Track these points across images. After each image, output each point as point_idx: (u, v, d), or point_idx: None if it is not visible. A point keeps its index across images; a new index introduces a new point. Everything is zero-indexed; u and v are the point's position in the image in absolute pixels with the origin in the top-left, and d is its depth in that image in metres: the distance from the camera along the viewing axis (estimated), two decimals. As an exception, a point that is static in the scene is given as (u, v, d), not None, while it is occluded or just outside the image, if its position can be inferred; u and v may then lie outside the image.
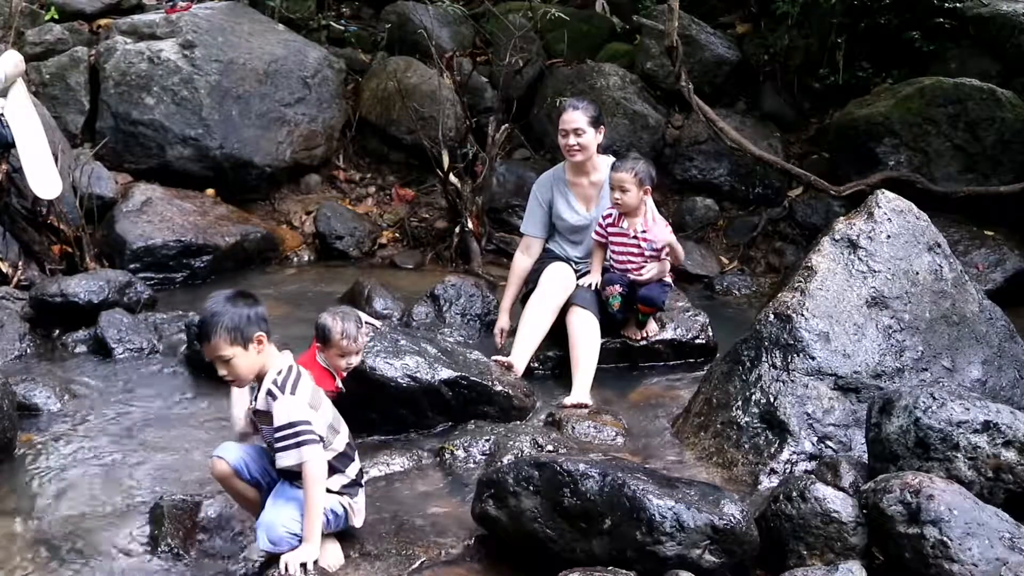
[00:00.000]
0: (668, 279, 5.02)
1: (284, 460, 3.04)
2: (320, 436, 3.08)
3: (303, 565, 3.00)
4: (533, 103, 7.99)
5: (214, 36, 7.22)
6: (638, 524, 3.00)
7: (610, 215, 4.89)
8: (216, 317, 3.04)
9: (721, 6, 8.69)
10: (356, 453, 3.31)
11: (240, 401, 3.29)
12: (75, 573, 3.26)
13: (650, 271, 4.85)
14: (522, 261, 5.24)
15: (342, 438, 3.23)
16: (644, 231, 4.83)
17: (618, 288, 4.86)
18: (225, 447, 3.26)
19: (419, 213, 7.46)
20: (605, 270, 4.97)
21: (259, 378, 3.13)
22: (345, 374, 4.03)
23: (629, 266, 4.89)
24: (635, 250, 4.86)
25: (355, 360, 4.03)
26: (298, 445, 3.02)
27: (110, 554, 3.36)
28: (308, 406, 3.09)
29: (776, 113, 7.89)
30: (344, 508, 3.22)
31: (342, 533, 3.26)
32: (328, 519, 3.15)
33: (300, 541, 3.04)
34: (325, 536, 3.13)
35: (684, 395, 4.62)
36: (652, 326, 5.08)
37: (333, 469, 3.17)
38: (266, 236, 6.89)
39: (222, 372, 3.09)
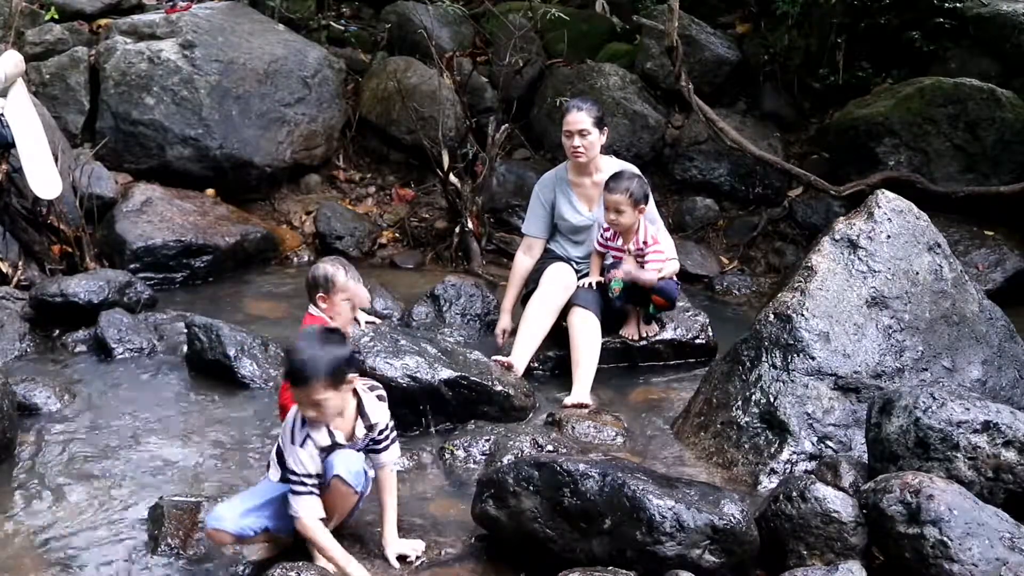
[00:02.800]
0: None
1: (391, 454, 3.26)
2: None
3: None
4: (533, 103, 7.98)
5: (214, 36, 7.22)
6: (638, 524, 3.01)
7: (607, 229, 4.90)
8: (314, 362, 2.97)
9: (721, 6, 8.68)
10: None
11: None
12: (75, 573, 3.26)
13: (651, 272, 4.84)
14: (523, 261, 5.24)
15: None
16: (639, 249, 4.82)
17: (620, 272, 4.85)
18: (218, 516, 3.13)
19: (419, 213, 7.46)
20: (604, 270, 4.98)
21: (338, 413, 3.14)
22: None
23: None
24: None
25: (363, 300, 4.08)
26: (395, 441, 3.25)
27: (110, 554, 3.36)
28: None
29: (776, 113, 7.88)
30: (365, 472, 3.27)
31: (342, 533, 3.25)
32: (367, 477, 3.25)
33: (362, 488, 3.19)
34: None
35: (684, 395, 4.62)
36: (652, 326, 5.08)
37: None
38: (266, 236, 6.88)
39: (311, 414, 3.03)
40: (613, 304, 4.94)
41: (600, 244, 4.97)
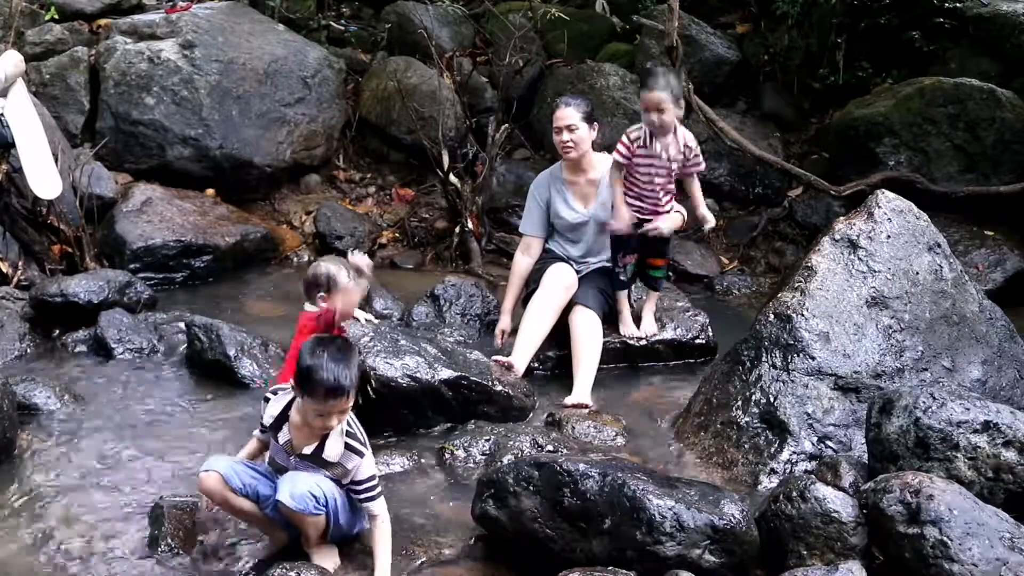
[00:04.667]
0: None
1: (372, 508, 3.15)
2: None
3: None
4: (533, 103, 7.98)
5: (214, 36, 7.22)
6: (638, 524, 3.01)
7: (638, 136, 4.66)
8: (349, 372, 2.99)
9: (721, 6, 8.69)
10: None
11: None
12: (75, 573, 3.26)
13: (670, 221, 4.78)
14: (523, 261, 5.24)
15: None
16: (684, 155, 4.67)
17: (633, 258, 4.84)
18: (211, 462, 3.23)
19: (419, 213, 7.46)
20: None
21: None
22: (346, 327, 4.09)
23: (647, 192, 4.72)
24: (663, 171, 4.69)
25: (356, 303, 4.10)
26: (379, 496, 3.15)
27: (110, 554, 3.36)
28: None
29: (776, 113, 7.89)
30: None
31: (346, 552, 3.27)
32: (350, 515, 3.19)
33: (321, 509, 3.08)
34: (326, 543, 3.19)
35: (684, 395, 4.61)
36: (650, 326, 5.06)
37: None
38: (266, 236, 6.88)
39: (332, 423, 3.04)
40: (624, 285, 4.93)
41: (622, 155, 4.67)
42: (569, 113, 5.01)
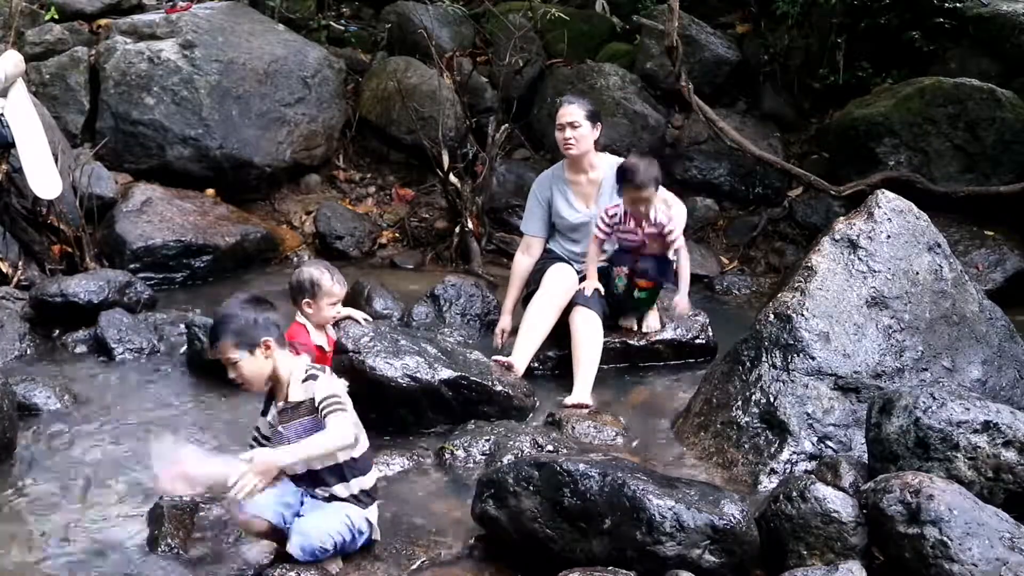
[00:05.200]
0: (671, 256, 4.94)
1: (332, 421, 3.03)
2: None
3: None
4: (533, 103, 7.98)
5: (214, 36, 7.22)
6: (638, 524, 3.01)
7: (615, 214, 4.81)
8: (225, 321, 3.11)
9: (721, 6, 8.68)
10: (373, 465, 3.33)
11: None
12: (75, 573, 3.26)
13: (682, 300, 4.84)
14: (523, 261, 5.24)
15: (364, 441, 3.24)
16: (655, 225, 4.75)
17: (625, 269, 4.86)
18: (259, 505, 3.07)
19: (419, 213, 7.46)
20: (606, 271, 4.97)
21: (273, 381, 3.15)
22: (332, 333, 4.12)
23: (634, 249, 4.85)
24: (642, 246, 4.83)
25: (337, 309, 4.11)
26: (342, 409, 3.07)
27: (110, 554, 3.36)
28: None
29: (776, 113, 7.89)
30: (369, 524, 3.23)
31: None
32: (354, 536, 3.17)
33: (328, 552, 3.08)
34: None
35: (684, 395, 4.62)
36: (653, 321, 5.06)
37: (358, 470, 3.19)
38: (266, 236, 6.88)
39: (231, 375, 3.13)
40: (617, 299, 4.94)
41: (601, 230, 4.85)
42: (572, 110, 5.01)
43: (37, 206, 5.96)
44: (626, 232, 4.84)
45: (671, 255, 4.83)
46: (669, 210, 4.79)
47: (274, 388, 3.19)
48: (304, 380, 3.13)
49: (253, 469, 2.93)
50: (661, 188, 4.81)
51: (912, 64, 7.41)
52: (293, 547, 3.06)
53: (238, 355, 3.08)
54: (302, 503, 3.17)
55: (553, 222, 5.25)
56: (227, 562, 3.30)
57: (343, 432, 3.04)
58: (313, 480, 3.16)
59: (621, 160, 5.24)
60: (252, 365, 3.10)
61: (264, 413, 3.27)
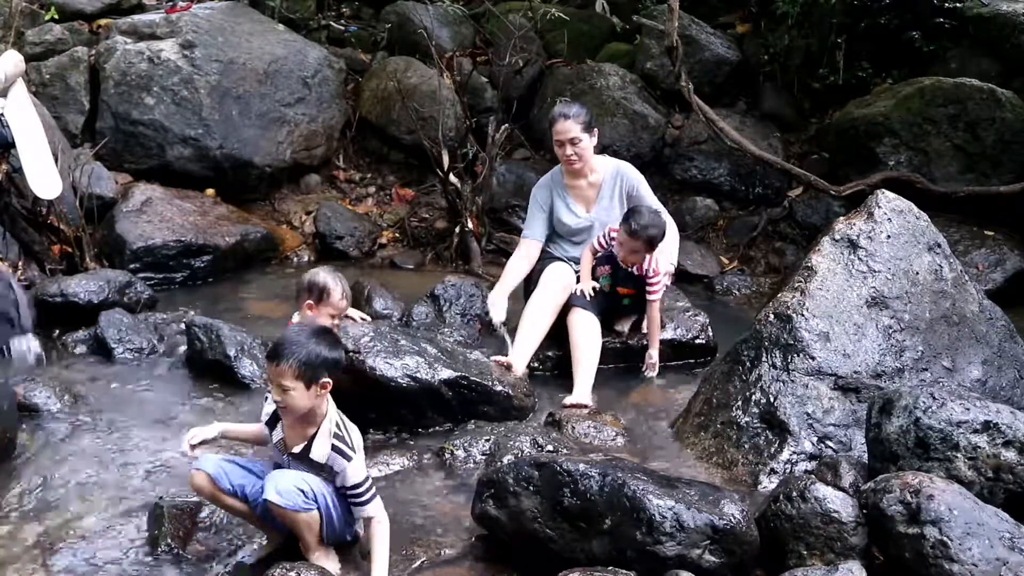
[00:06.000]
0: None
1: (366, 511, 3.14)
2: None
3: None
4: (533, 103, 7.99)
5: (214, 36, 7.22)
6: (638, 524, 3.01)
7: (616, 238, 4.83)
8: (294, 347, 3.01)
9: (721, 6, 8.69)
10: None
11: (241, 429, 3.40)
12: (75, 573, 3.26)
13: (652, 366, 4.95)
14: (516, 262, 5.20)
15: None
16: (643, 275, 4.85)
17: (608, 268, 4.89)
18: (204, 459, 3.23)
19: (419, 213, 7.46)
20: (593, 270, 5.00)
21: (305, 418, 3.11)
22: None
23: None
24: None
25: (335, 322, 4.10)
26: (372, 499, 3.13)
27: (110, 554, 3.35)
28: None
29: (776, 113, 7.89)
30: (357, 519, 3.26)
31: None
32: (328, 508, 3.16)
33: (311, 504, 3.06)
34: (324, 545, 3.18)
35: (684, 395, 4.62)
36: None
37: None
38: (266, 236, 6.88)
39: (276, 398, 3.06)
40: (604, 295, 4.95)
41: (602, 245, 4.96)
42: (569, 126, 4.97)
43: (37, 206, 5.96)
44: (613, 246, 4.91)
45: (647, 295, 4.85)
46: (657, 266, 4.82)
47: (297, 417, 3.13)
48: (333, 446, 3.09)
49: None
50: (662, 249, 4.86)
51: (912, 64, 7.41)
52: (269, 492, 3.03)
53: (294, 384, 3.00)
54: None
55: (554, 226, 5.24)
56: (227, 562, 3.30)
57: (385, 515, 3.15)
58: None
59: (619, 162, 5.25)
60: (303, 398, 3.03)
61: (270, 426, 3.25)
